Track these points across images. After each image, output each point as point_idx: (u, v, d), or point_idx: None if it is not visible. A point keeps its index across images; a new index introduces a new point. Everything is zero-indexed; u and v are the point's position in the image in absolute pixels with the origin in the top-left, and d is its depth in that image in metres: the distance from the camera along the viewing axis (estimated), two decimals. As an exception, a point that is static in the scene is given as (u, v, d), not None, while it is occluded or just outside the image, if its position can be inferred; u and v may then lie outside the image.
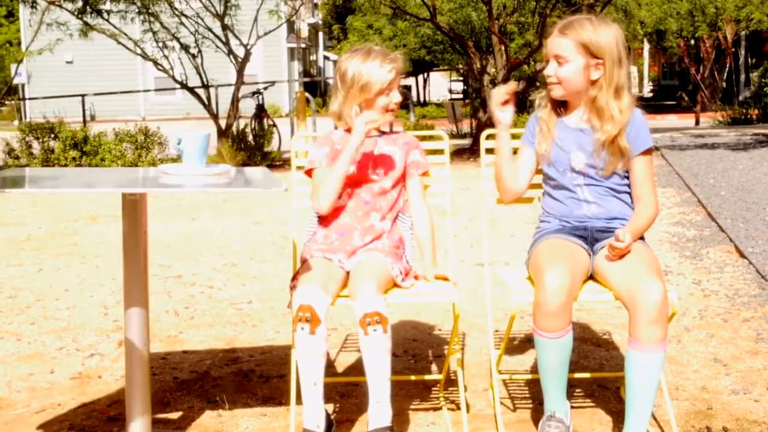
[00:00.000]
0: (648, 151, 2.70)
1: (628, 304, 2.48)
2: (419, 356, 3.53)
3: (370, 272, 2.58)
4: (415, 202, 2.88)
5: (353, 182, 2.81)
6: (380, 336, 2.49)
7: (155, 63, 13.01)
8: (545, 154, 2.76)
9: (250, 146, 11.86)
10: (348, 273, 2.68)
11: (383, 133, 2.90)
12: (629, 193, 2.74)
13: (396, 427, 2.78)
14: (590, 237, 2.70)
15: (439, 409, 2.97)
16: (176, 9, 12.83)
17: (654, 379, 2.46)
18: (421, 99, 36.20)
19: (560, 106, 2.78)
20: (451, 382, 3.10)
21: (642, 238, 2.75)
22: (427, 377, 3.26)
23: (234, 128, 12.58)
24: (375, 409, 2.54)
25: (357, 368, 3.35)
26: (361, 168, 2.82)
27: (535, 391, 3.08)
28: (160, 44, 13.05)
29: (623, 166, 2.69)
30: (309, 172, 2.86)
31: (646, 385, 2.45)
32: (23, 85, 28.46)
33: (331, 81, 3.33)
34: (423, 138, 3.13)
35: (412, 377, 3.25)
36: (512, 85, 2.75)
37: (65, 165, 11.23)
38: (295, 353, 2.58)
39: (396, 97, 2.81)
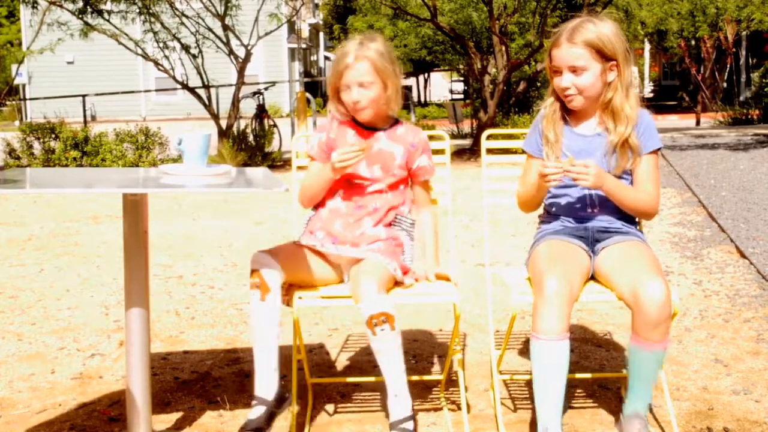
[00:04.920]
0: (655, 151, 2.69)
1: (630, 304, 2.48)
2: (420, 356, 3.53)
3: (370, 272, 2.57)
4: (420, 204, 2.83)
5: (345, 178, 2.74)
6: (389, 334, 2.49)
7: (156, 63, 13.02)
8: (555, 186, 2.69)
9: (251, 146, 11.86)
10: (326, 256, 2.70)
11: (391, 126, 2.77)
12: None
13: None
14: (591, 238, 2.69)
15: (440, 409, 2.97)
16: (177, 9, 12.84)
17: (654, 372, 2.52)
18: (422, 99, 36.20)
19: (568, 114, 2.73)
20: (452, 382, 3.10)
21: (641, 233, 2.75)
22: (428, 377, 3.26)
23: (235, 128, 12.58)
24: (394, 402, 2.56)
25: (357, 368, 3.35)
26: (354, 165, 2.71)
27: (535, 392, 3.08)
28: (161, 44, 13.06)
29: (632, 164, 2.67)
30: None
31: (647, 375, 2.51)
32: (24, 86, 28.50)
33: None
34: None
35: (413, 377, 3.24)
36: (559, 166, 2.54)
37: (66, 165, 11.23)
38: (249, 321, 2.60)
39: (353, 95, 2.63)
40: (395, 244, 2.74)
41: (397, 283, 2.70)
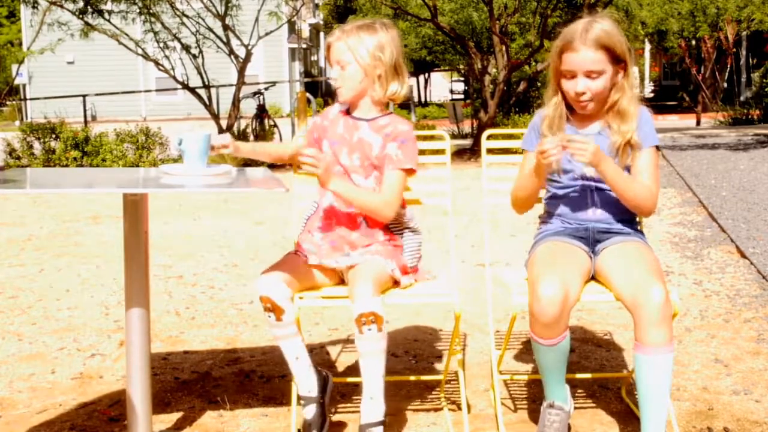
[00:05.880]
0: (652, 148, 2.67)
1: (630, 308, 2.46)
2: (420, 356, 3.53)
3: (367, 274, 2.58)
4: (383, 191, 2.67)
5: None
6: (375, 334, 2.50)
7: (156, 63, 13.02)
8: (556, 166, 2.67)
9: (251, 146, 11.85)
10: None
11: (378, 116, 2.72)
12: None
13: (397, 427, 2.78)
14: (591, 238, 2.69)
15: (440, 409, 2.97)
16: (177, 9, 12.85)
17: (665, 382, 2.43)
18: (422, 99, 36.22)
19: (571, 115, 2.70)
20: (452, 382, 3.10)
21: (642, 233, 2.74)
22: (428, 377, 3.25)
23: (235, 128, 12.59)
24: (368, 405, 2.57)
25: (357, 369, 3.34)
26: (334, 154, 2.72)
27: (536, 392, 3.08)
28: (161, 44, 13.06)
29: (632, 161, 2.64)
30: None
31: (658, 388, 2.42)
32: (24, 86, 28.48)
33: (331, 81, 3.22)
34: (424, 138, 3.12)
35: (413, 377, 3.25)
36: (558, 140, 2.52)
37: (66, 165, 11.24)
38: (274, 337, 2.67)
39: (332, 73, 2.71)
40: (393, 245, 2.74)
41: (397, 284, 2.70)
